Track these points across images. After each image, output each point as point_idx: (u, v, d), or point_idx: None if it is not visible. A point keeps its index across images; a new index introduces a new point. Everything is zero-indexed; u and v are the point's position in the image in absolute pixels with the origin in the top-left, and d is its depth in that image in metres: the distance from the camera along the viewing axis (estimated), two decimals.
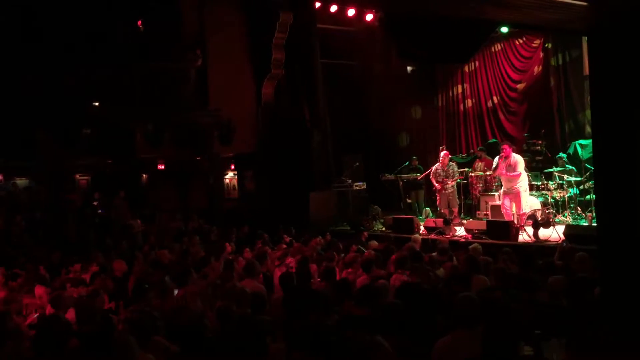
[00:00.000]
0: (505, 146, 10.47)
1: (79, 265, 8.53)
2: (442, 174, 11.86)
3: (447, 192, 11.85)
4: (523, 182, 10.22)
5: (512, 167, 10.18)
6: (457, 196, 12.07)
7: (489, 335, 3.27)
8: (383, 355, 2.94)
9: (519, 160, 10.22)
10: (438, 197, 12.09)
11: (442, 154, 12.07)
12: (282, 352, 3.69)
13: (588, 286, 5.00)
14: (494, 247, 8.56)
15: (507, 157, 10.23)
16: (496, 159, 10.47)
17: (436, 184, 11.94)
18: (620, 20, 3.51)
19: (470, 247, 7.85)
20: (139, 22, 15.90)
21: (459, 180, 12.13)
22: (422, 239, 10.14)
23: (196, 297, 5.83)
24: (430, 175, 12.21)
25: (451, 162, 12.06)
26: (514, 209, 10.23)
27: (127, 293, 6.92)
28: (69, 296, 6.11)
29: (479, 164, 12.36)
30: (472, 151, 14.41)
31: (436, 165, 12.10)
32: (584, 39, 12.47)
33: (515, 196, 10.19)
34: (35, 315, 6.09)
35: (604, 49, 3.72)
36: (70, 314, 5.35)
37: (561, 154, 11.56)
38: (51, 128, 14.42)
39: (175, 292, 6.21)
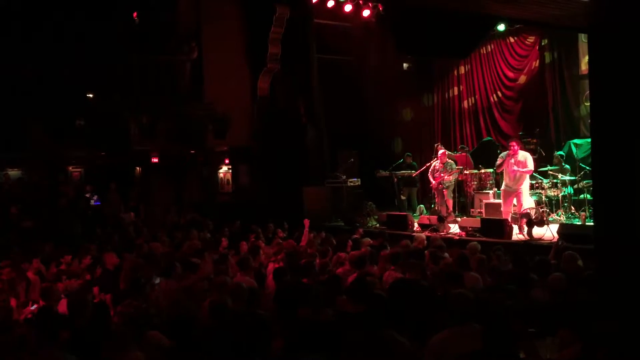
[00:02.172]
0: (513, 143, 10.36)
1: (69, 257, 8.47)
2: (440, 170, 11.80)
3: (443, 187, 11.79)
4: (527, 181, 10.21)
5: (522, 164, 10.12)
6: (451, 191, 12.00)
7: (488, 333, 3.25)
8: (402, 350, 2.92)
9: (527, 156, 10.19)
10: (436, 194, 12.03)
11: (440, 152, 12.01)
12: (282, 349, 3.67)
13: (582, 284, 5.01)
14: (487, 245, 8.55)
15: (514, 154, 10.19)
16: (503, 154, 10.41)
17: (433, 181, 11.88)
18: (622, 16, 3.49)
19: (468, 245, 7.82)
20: (135, 14, 15.81)
21: (456, 176, 12.06)
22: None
23: (180, 291, 5.78)
24: (428, 173, 12.17)
25: (449, 160, 12.00)
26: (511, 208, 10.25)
27: (118, 286, 6.88)
28: (62, 288, 6.07)
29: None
30: (462, 146, 14.46)
31: (435, 162, 12.04)
32: (580, 38, 12.50)
33: (517, 195, 10.19)
34: (33, 308, 6.05)
35: (605, 45, 3.70)
36: (62, 307, 5.32)
37: (559, 152, 11.59)
38: (44, 119, 14.32)
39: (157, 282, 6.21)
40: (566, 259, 6.23)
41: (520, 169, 10.10)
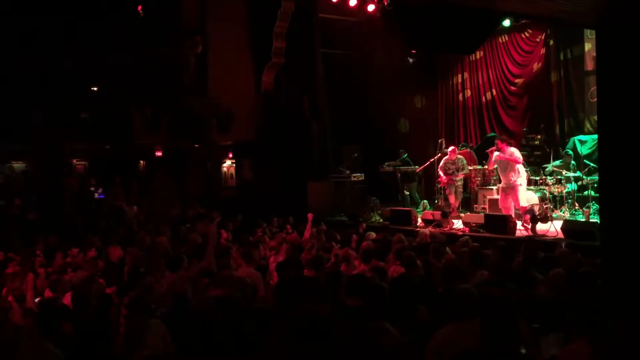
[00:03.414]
0: (498, 142, 10.44)
1: (75, 250, 8.49)
2: (452, 167, 11.71)
3: (456, 184, 11.74)
4: (521, 177, 10.16)
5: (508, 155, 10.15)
6: (462, 189, 11.96)
7: (489, 329, 3.24)
8: (391, 339, 2.91)
9: (514, 150, 10.20)
10: (447, 189, 11.93)
11: (449, 149, 11.92)
12: (279, 341, 3.67)
13: (585, 281, 5.00)
14: (490, 240, 8.54)
15: (502, 151, 10.18)
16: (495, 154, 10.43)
17: (444, 177, 11.79)
18: (630, 12, 3.47)
19: (460, 239, 7.77)
20: (139, 7, 15.77)
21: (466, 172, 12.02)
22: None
23: (186, 282, 5.79)
24: (438, 168, 12.10)
25: (459, 156, 11.91)
26: (512, 204, 10.20)
27: (122, 278, 6.89)
28: (68, 280, 6.08)
29: None
30: (463, 144, 14.45)
31: (444, 158, 11.98)
32: (586, 35, 12.45)
33: (512, 190, 10.14)
34: (37, 300, 6.06)
35: (613, 42, 3.68)
36: (67, 299, 5.33)
37: (568, 150, 11.57)
38: (49, 112, 14.33)
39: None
40: (564, 255, 6.22)
41: (506, 156, 10.10)
